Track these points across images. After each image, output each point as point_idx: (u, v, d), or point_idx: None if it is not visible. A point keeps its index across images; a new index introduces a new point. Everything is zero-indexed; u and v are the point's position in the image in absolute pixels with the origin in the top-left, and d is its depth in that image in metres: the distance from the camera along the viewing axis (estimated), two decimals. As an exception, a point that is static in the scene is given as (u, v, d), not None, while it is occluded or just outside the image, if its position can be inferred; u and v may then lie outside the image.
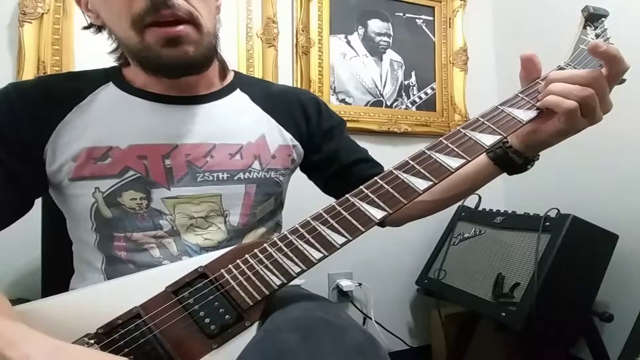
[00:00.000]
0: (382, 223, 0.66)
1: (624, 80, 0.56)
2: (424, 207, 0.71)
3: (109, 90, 0.62)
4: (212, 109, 0.64)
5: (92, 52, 0.80)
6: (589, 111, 0.52)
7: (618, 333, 1.02)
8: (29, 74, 1.10)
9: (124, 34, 0.55)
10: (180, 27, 0.53)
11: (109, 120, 0.59)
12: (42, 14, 1.12)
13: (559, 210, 1.13)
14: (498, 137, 0.53)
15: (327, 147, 0.74)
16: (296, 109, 0.72)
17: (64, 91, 0.60)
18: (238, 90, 0.69)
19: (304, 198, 0.76)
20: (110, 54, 0.65)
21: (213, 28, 0.59)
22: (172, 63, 0.55)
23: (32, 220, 0.76)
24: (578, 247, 1.08)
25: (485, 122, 0.55)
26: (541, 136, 0.57)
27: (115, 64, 0.67)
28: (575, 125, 0.53)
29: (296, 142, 0.71)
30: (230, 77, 0.71)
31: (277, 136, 0.68)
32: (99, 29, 0.62)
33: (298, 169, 0.77)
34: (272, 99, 0.71)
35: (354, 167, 0.74)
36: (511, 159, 0.61)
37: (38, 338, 0.38)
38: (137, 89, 0.62)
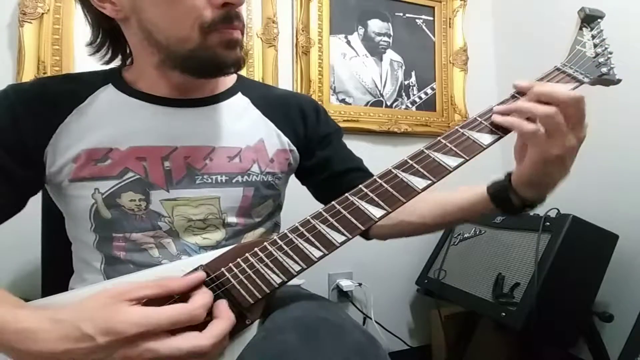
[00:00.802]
0: (367, 234, 0.67)
1: (619, 80, 0.57)
2: (416, 228, 0.68)
3: (108, 92, 0.62)
4: (212, 112, 0.65)
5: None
6: (554, 133, 0.49)
7: (618, 333, 1.02)
8: (29, 74, 1.10)
9: (179, 33, 0.55)
10: (238, 32, 0.58)
11: (109, 122, 0.60)
12: (42, 14, 1.12)
13: (559, 210, 1.13)
14: (496, 136, 0.54)
15: (321, 153, 0.74)
16: (295, 114, 0.72)
17: (62, 93, 0.60)
18: (240, 93, 0.69)
19: (304, 199, 0.76)
20: (93, 48, 0.65)
21: None
22: (226, 63, 0.58)
23: (32, 220, 0.77)
24: (578, 247, 1.08)
25: (483, 121, 0.55)
26: (525, 171, 0.54)
27: (112, 65, 0.67)
28: (545, 150, 0.50)
29: (293, 147, 0.71)
30: (232, 79, 0.70)
31: (275, 140, 0.68)
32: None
33: (295, 172, 0.77)
34: (272, 103, 0.71)
35: (345, 175, 0.73)
36: (509, 199, 0.58)
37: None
38: (136, 91, 0.62)
